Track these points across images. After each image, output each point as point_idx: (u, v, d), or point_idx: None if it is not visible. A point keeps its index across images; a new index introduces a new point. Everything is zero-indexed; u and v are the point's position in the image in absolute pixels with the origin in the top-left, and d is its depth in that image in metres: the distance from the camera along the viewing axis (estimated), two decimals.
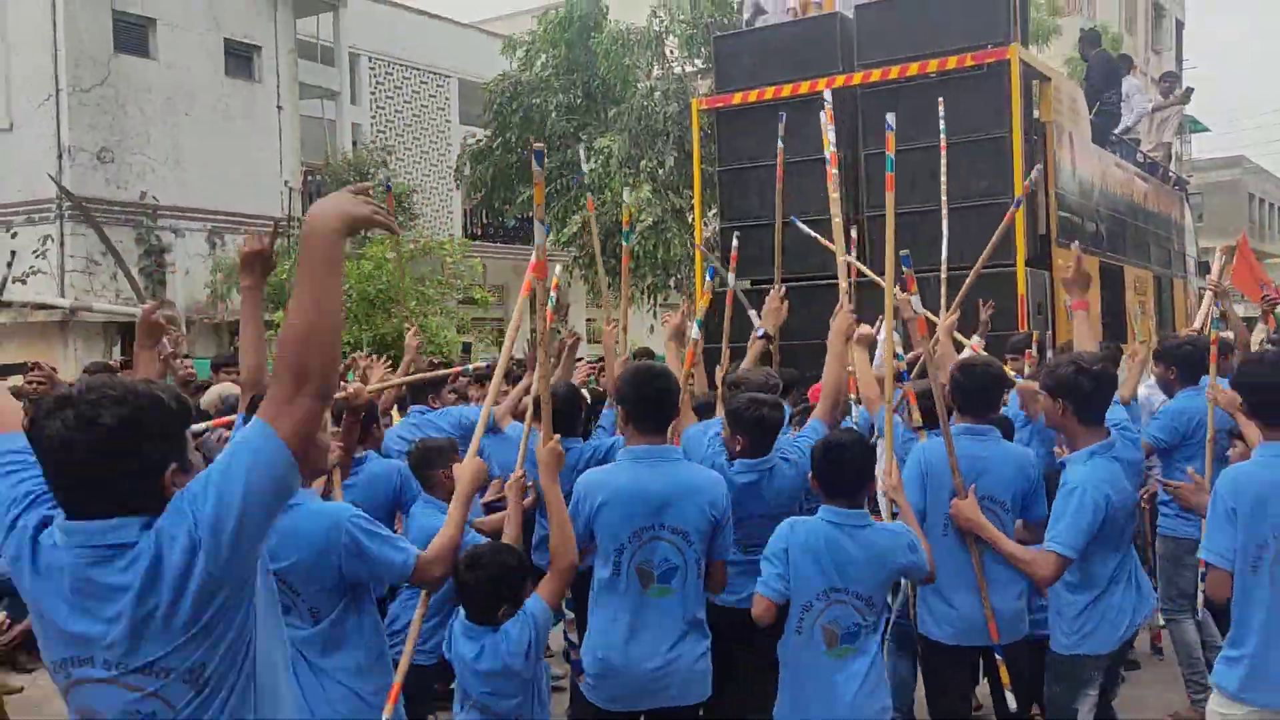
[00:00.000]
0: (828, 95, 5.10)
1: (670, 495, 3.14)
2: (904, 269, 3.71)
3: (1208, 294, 5.38)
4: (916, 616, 3.71)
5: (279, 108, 16.82)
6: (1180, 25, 36.96)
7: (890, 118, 3.55)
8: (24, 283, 14.70)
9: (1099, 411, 3.37)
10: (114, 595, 1.68)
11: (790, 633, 3.13)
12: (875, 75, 7.41)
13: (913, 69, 7.23)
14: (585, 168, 6.26)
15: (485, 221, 21.48)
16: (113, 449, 1.69)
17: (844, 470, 3.13)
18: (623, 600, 3.14)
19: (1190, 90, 12.19)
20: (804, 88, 7.64)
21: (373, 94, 20.24)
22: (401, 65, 20.63)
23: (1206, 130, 32.20)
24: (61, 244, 14.75)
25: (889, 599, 3.57)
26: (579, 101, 15.91)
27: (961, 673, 3.64)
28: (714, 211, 9.69)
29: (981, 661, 3.80)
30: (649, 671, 3.11)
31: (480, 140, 16.87)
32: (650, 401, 3.25)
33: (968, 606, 3.53)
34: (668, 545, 3.12)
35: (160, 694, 1.70)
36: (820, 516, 3.14)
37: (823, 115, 4.98)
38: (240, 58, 16.62)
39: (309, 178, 17.68)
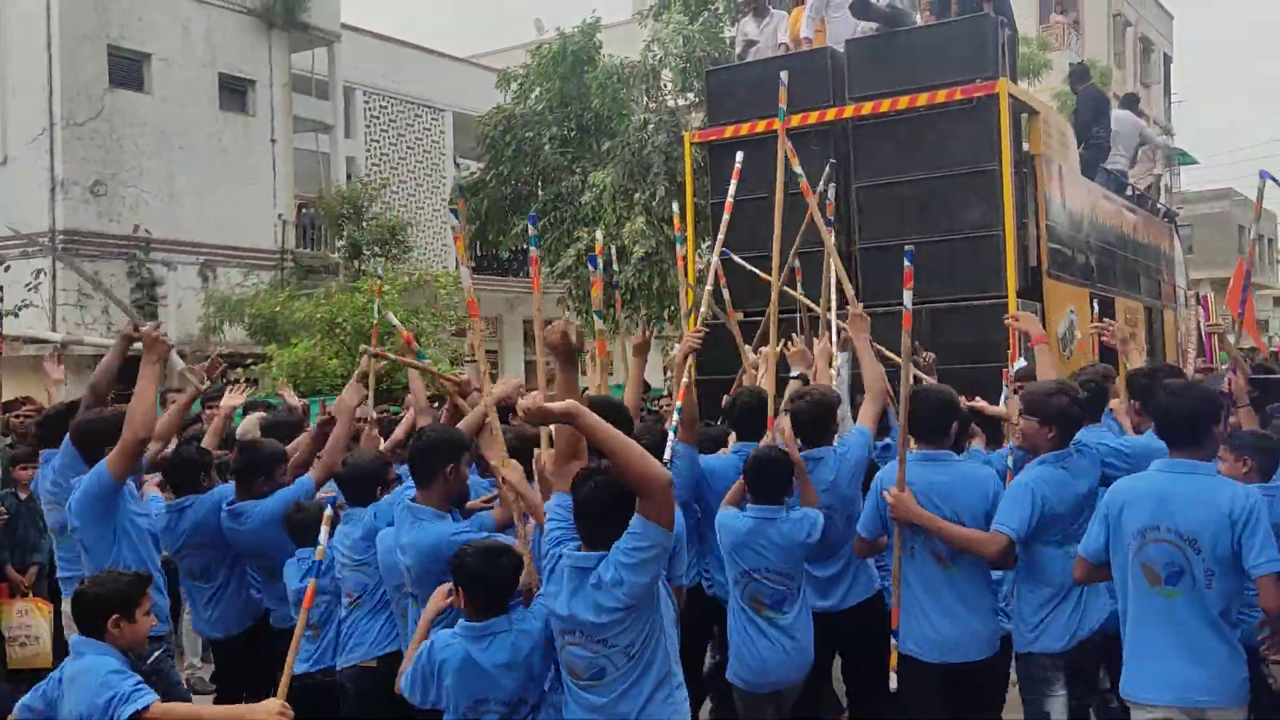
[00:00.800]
0: (798, 166, 5.23)
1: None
2: (907, 264, 3.94)
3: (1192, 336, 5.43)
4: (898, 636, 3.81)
5: (273, 141, 16.90)
6: (1168, 60, 37.36)
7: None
8: (16, 316, 14.65)
9: (1071, 434, 3.78)
10: (585, 596, 2.82)
11: (733, 603, 3.94)
12: (866, 109, 7.43)
13: (902, 103, 7.26)
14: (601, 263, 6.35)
15: (480, 254, 21.54)
16: (618, 514, 2.82)
17: (772, 479, 3.89)
18: None
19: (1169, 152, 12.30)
20: (795, 121, 7.67)
21: (367, 127, 20.35)
22: (396, 99, 20.77)
23: (1195, 163, 32.44)
24: (54, 278, 14.73)
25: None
26: (572, 134, 15.99)
27: (932, 689, 3.72)
28: (708, 244, 9.70)
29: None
30: None
31: (474, 173, 16.93)
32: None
33: (944, 626, 3.68)
34: None
35: (609, 657, 2.85)
36: (749, 513, 3.87)
37: (786, 154, 5.20)
38: (235, 92, 16.72)
39: (302, 211, 17.72)
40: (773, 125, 7.83)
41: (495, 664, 2.99)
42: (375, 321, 6.77)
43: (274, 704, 2.93)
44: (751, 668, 3.87)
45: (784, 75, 5.48)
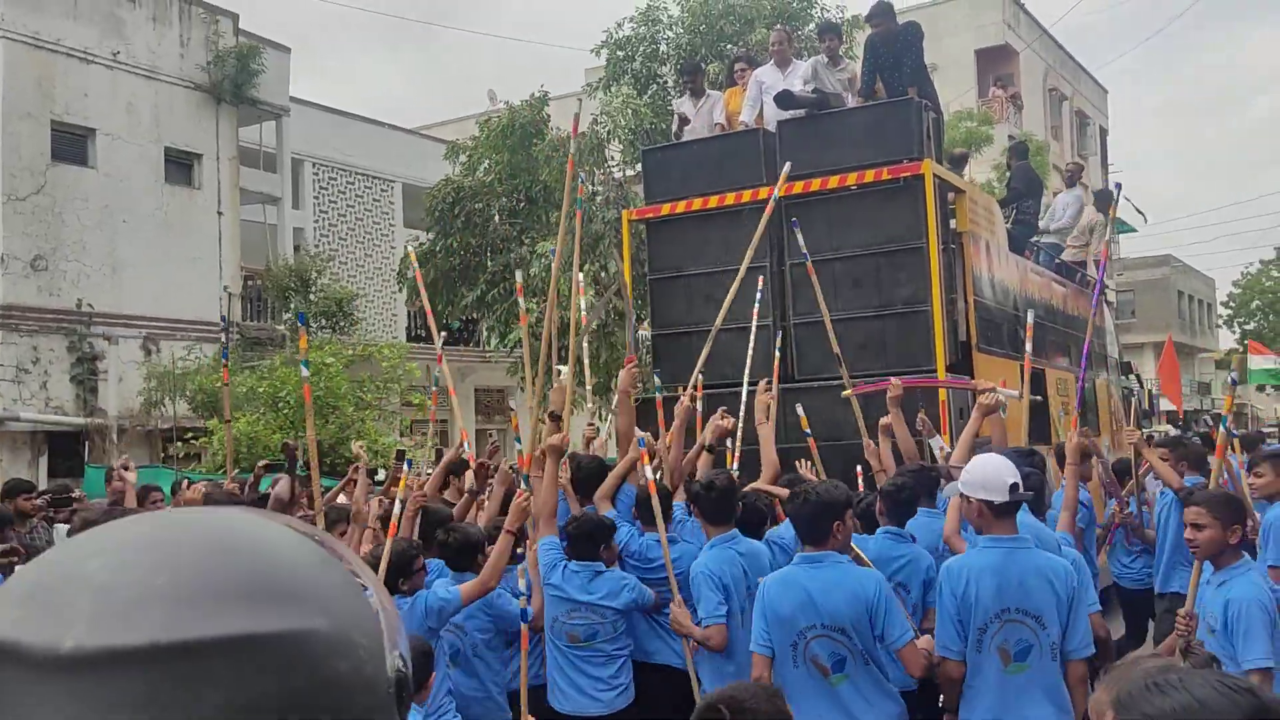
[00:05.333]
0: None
1: None
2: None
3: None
4: None
5: (219, 214, 16.85)
6: (1104, 132, 38.67)
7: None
8: None
9: (721, 514, 4.29)
10: None
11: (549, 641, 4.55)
12: (798, 188, 7.60)
13: (833, 182, 7.44)
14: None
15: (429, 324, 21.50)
16: None
17: (583, 538, 4.46)
18: None
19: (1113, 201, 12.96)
20: (730, 199, 7.83)
21: (316, 199, 20.35)
22: (345, 170, 20.82)
23: (1134, 231, 33.36)
24: None
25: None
26: (521, 206, 16.13)
27: None
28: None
29: None
30: None
31: (423, 244, 16.97)
32: None
33: None
34: None
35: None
36: (571, 568, 4.47)
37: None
38: (180, 165, 16.69)
39: (249, 283, 17.61)
40: (708, 203, 8.02)
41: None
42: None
43: None
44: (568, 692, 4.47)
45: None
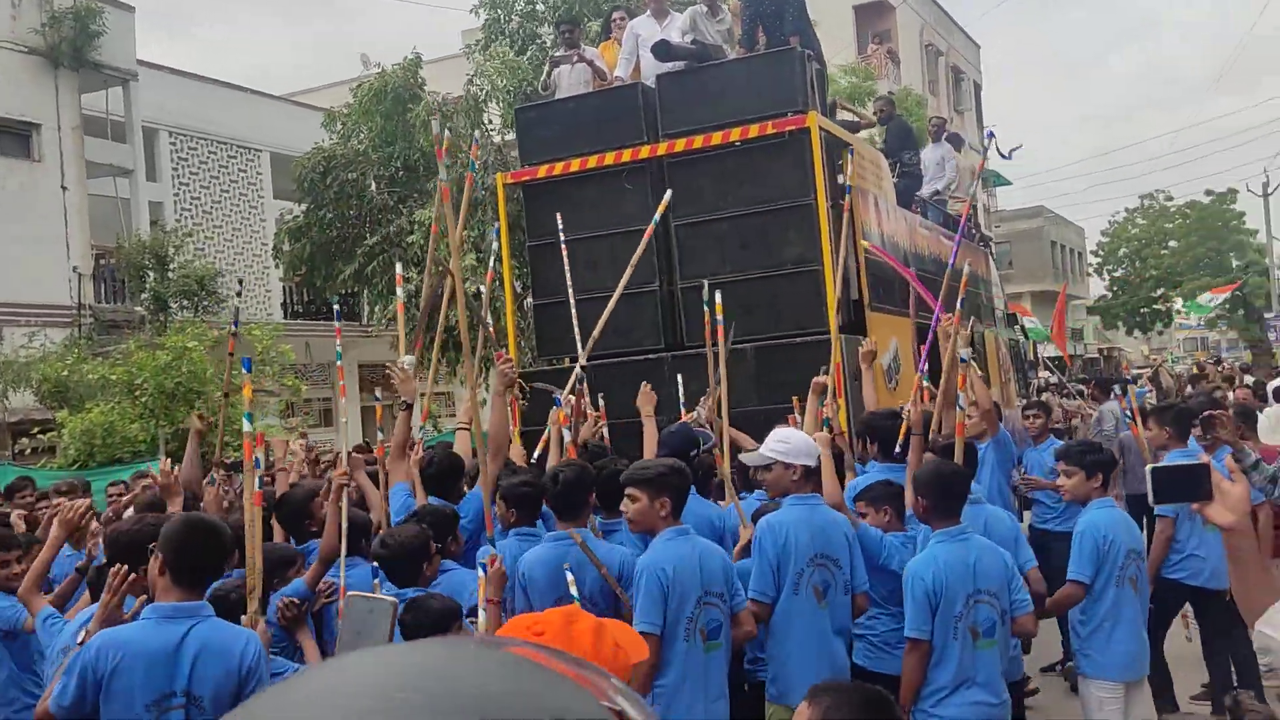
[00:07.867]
0: None
1: (192, 657, 2.91)
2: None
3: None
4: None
5: (64, 188, 15.56)
6: (979, 87, 39.48)
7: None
8: None
9: (569, 507, 4.13)
10: None
11: None
12: (680, 145, 7.23)
13: (716, 138, 7.09)
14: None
15: (308, 299, 20.54)
16: None
17: (531, 502, 4.27)
18: None
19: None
20: (609, 159, 7.42)
21: (175, 170, 19.03)
22: (206, 139, 19.50)
23: (1009, 184, 34.24)
24: None
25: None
26: (399, 174, 15.40)
27: None
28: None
29: None
30: None
31: (296, 216, 16.08)
32: (193, 555, 3.02)
33: None
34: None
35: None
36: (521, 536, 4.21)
37: None
38: (17, 136, 15.35)
39: (101, 262, 16.38)
40: (587, 164, 7.57)
41: None
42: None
43: None
44: None
45: None
